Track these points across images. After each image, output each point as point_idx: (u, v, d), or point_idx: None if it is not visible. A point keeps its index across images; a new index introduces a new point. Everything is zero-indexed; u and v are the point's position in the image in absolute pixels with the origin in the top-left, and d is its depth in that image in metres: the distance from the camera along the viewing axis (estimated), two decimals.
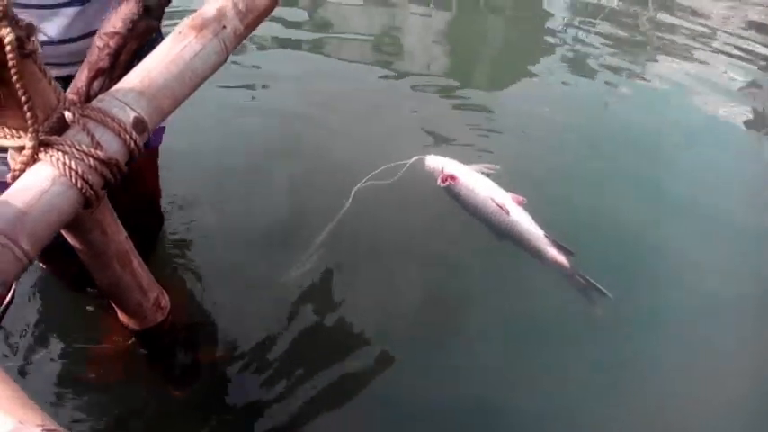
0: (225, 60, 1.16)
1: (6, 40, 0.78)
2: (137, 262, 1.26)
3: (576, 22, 4.73)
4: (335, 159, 2.77)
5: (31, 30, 0.83)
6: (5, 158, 0.98)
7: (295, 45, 3.79)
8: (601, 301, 2.20)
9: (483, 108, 3.36)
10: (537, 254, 2.30)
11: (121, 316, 1.42)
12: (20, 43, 0.81)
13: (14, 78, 0.82)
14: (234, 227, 2.43)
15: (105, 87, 1.15)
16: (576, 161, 2.98)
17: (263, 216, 2.48)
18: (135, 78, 1.02)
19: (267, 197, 2.58)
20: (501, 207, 2.34)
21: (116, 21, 1.17)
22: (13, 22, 0.80)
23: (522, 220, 2.34)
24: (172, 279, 2.15)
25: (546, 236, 2.30)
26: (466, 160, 2.63)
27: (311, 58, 3.72)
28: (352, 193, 2.48)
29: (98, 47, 1.17)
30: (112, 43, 1.16)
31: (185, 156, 2.46)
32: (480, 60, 4.22)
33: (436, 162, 2.57)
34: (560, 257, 2.27)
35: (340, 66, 3.66)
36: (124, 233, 1.23)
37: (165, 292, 1.44)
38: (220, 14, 1.10)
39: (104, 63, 1.16)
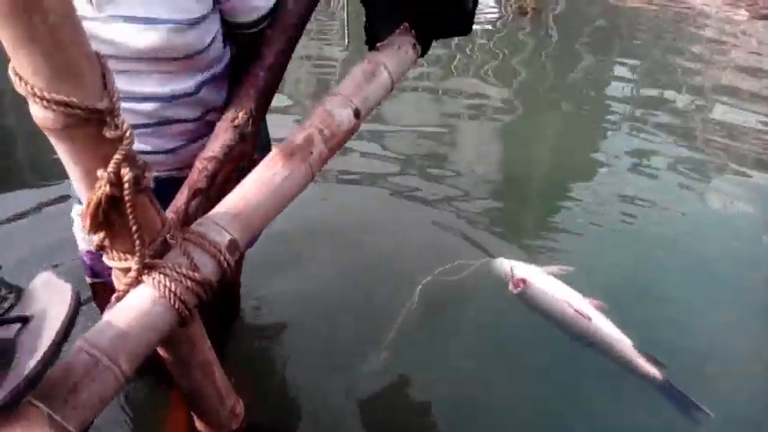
0: (311, 181, 1.23)
1: (125, 179, 0.87)
2: (218, 373, 1.29)
3: (638, 114, 4.73)
4: (396, 256, 2.78)
5: (146, 167, 0.92)
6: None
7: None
8: (701, 419, 2.03)
9: (549, 206, 3.35)
10: (624, 363, 2.16)
11: (197, 422, 1.44)
12: (136, 180, 0.89)
13: (129, 211, 0.90)
14: (301, 319, 2.44)
15: (202, 206, 1.24)
16: (654, 261, 2.86)
17: (328, 308, 2.48)
18: (231, 202, 1.10)
19: (331, 291, 2.57)
20: (580, 313, 2.24)
21: (215, 146, 1.29)
22: (133, 162, 0.90)
23: (606, 326, 2.21)
24: (242, 373, 2.17)
25: (633, 345, 2.17)
26: (536, 261, 2.57)
27: (369, 152, 3.80)
28: (418, 290, 2.46)
29: (197, 169, 1.28)
30: (210, 166, 1.27)
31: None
32: (543, 157, 4.22)
33: (505, 265, 2.48)
34: (651, 369, 2.11)
35: (397, 162, 3.74)
36: (208, 343, 1.27)
37: (240, 400, 1.46)
38: (307, 142, 1.19)
39: (202, 184, 1.26)
